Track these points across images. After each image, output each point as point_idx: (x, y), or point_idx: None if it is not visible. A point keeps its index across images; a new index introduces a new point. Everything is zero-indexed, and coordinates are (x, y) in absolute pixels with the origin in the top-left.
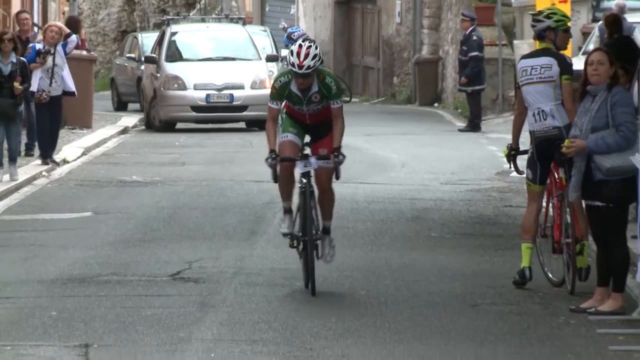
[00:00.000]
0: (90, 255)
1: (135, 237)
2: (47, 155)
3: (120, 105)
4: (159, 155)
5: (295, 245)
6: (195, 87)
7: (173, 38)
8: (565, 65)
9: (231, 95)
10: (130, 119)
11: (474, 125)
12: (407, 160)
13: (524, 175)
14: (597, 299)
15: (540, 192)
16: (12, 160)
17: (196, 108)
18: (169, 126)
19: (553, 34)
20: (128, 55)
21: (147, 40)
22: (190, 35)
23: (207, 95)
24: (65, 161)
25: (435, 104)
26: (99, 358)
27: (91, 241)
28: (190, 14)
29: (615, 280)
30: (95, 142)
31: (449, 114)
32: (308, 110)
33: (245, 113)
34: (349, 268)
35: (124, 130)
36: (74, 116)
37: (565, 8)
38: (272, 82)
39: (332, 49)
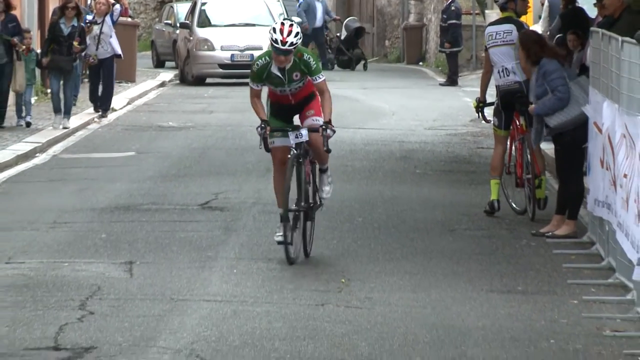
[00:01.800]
0: (133, 187)
1: (171, 173)
2: (103, 107)
3: (159, 63)
4: (191, 105)
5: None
6: (222, 48)
7: (203, 7)
8: (522, 29)
9: (252, 55)
10: (167, 75)
11: (452, 81)
12: (397, 110)
13: (492, 123)
14: (554, 224)
15: (505, 136)
16: (67, 109)
17: (223, 66)
18: (199, 81)
19: (514, 4)
20: (165, 21)
21: (181, 9)
22: (216, 5)
23: (232, 55)
24: (113, 109)
25: (420, 63)
26: (140, 273)
27: (134, 176)
28: None
29: (571, 209)
30: (138, 93)
31: (432, 71)
32: (290, 90)
33: None
34: (347, 199)
35: (162, 84)
36: (120, 72)
37: None
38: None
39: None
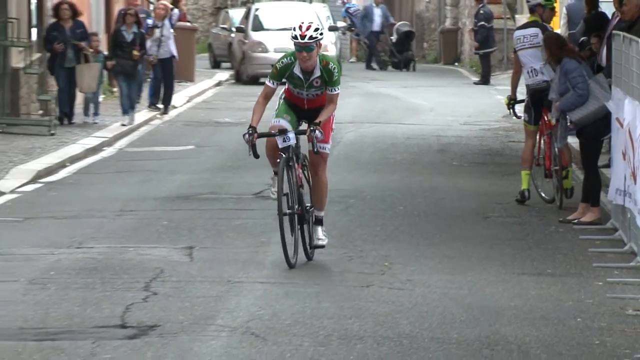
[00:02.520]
0: (193, 178)
1: (227, 165)
2: (165, 104)
3: (215, 64)
4: (245, 102)
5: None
6: (275, 50)
7: (256, 13)
8: (551, 34)
9: None
10: (223, 75)
11: (485, 80)
12: (434, 106)
13: (522, 118)
14: (580, 212)
15: (535, 130)
16: (131, 108)
17: None
18: (254, 80)
19: (542, 10)
20: (221, 26)
21: (236, 14)
22: (268, 10)
23: None
24: (173, 107)
25: (455, 64)
26: (199, 257)
27: (193, 168)
28: None
29: (592, 198)
30: (196, 92)
31: (466, 71)
32: (307, 94)
33: None
34: (390, 189)
35: (218, 83)
36: (180, 72)
37: None
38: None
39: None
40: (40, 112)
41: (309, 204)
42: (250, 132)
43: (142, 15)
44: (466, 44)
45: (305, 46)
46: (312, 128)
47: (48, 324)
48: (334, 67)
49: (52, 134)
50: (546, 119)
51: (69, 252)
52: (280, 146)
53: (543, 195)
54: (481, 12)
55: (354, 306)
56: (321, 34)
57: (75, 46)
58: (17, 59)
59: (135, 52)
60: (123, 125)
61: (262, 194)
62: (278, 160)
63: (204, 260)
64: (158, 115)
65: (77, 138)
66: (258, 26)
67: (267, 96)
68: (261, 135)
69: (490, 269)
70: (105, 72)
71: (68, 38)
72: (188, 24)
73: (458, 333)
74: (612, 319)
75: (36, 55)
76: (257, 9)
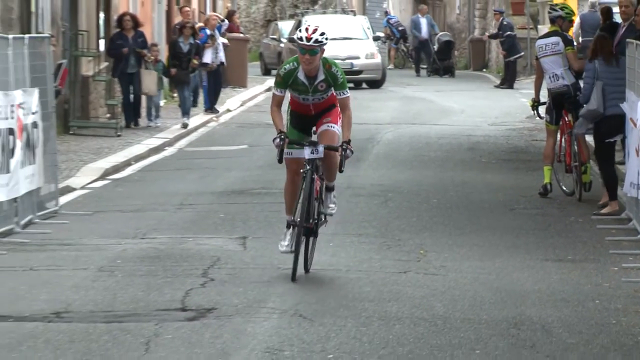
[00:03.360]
0: (246, 175)
1: (277, 163)
2: (212, 107)
3: (266, 72)
4: None
5: (291, 224)
6: None
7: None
8: (567, 41)
9: (351, 63)
10: (273, 81)
11: (509, 85)
12: (465, 109)
13: (544, 119)
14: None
15: (556, 130)
16: (186, 112)
17: None
18: None
19: (562, 21)
20: (271, 36)
21: (285, 26)
22: (318, 22)
23: None
24: (228, 110)
25: (484, 70)
26: (252, 246)
27: (247, 165)
28: (315, 8)
29: (608, 192)
30: (249, 96)
31: (493, 77)
32: (313, 99)
33: (361, 76)
34: (424, 184)
35: (269, 89)
36: (234, 79)
37: (573, 3)
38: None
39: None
40: (108, 115)
41: (316, 218)
42: (282, 137)
43: (197, 25)
44: (493, 52)
45: (310, 49)
46: (344, 147)
47: (115, 307)
48: (337, 70)
49: (119, 135)
50: (566, 119)
51: (134, 242)
52: (307, 157)
53: (564, 188)
54: (505, 22)
55: (392, 290)
56: (326, 39)
57: (137, 53)
58: (86, 68)
59: (195, 61)
60: (185, 125)
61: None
62: (301, 170)
63: (257, 249)
64: (214, 118)
65: (141, 139)
66: None
67: (278, 104)
68: (292, 142)
69: (516, 256)
70: (165, 79)
71: (130, 46)
72: (241, 35)
73: (487, 314)
74: (627, 301)
75: (104, 64)
76: (306, 21)
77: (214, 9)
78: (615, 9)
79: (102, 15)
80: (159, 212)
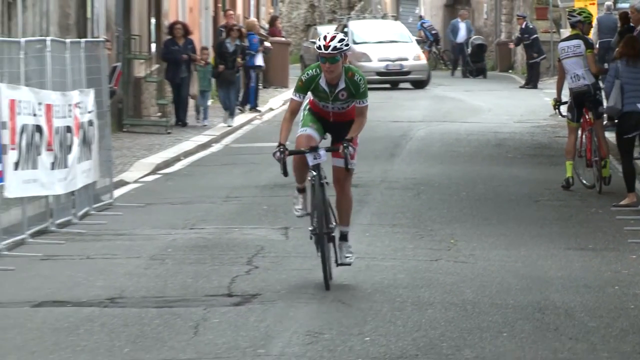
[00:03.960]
0: (273, 176)
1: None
2: (243, 103)
3: None
4: None
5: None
6: (379, 60)
7: (350, 29)
8: (588, 44)
9: (401, 65)
10: None
11: (534, 85)
12: (492, 107)
13: (566, 117)
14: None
15: (577, 127)
16: (232, 110)
17: (379, 73)
18: None
19: (582, 25)
20: (311, 40)
21: (323, 30)
22: (361, 27)
23: (387, 65)
24: (271, 109)
25: (509, 71)
26: (294, 236)
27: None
28: (351, 14)
29: (626, 185)
30: (289, 96)
31: (518, 77)
32: (333, 107)
33: (409, 76)
34: (454, 177)
35: None
36: (276, 80)
37: (593, 8)
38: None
39: (442, 36)
40: (159, 114)
41: (333, 223)
42: (281, 149)
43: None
44: (518, 54)
45: (330, 57)
46: (345, 144)
47: (166, 293)
48: (360, 79)
49: (169, 133)
50: (587, 117)
51: (184, 232)
52: (310, 164)
53: (584, 182)
54: (530, 26)
55: (424, 277)
56: (346, 45)
57: (188, 59)
58: (138, 70)
59: (240, 60)
60: (229, 126)
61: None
62: (309, 178)
63: (298, 239)
64: (258, 117)
65: (189, 136)
66: (353, 40)
67: (293, 111)
68: (292, 153)
69: (540, 245)
70: (213, 81)
71: (181, 52)
72: (283, 38)
73: (513, 299)
74: None
75: (155, 66)
76: (350, 26)
77: (257, 15)
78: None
79: (153, 20)
80: (207, 204)
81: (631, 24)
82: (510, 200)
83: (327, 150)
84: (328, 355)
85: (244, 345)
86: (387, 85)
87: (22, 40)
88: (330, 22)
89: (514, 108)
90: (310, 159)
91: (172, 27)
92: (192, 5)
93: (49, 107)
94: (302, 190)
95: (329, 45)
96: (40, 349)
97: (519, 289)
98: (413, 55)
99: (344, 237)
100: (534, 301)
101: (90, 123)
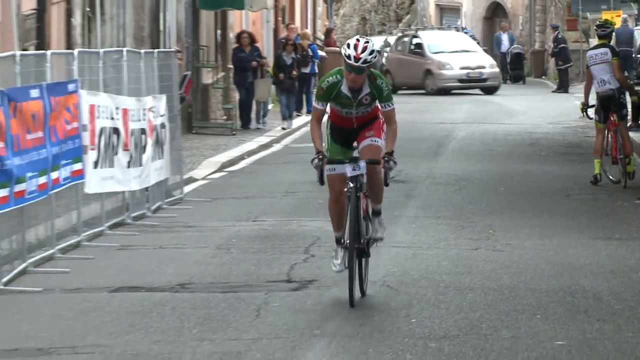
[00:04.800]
0: None
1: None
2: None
3: None
4: None
5: (340, 244)
6: (460, 68)
7: (423, 39)
8: (614, 52)
9: (481, 72)
10: None
11: (565, 89)
12: (526, 110)
13: (594, 119)
14: None
15: (604, 128)
16: (290, 116)
17: (461, 80)
18: (442, 92)
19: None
20: None
21: (376, 41)
22: (430, 37)
23: (468, 73)
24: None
25: (543, 77)
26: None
27: None
28: (399, 26)
29: None
30: None
31: (551, 83)
32: (357, 113)
33: (486, 83)
34: (493, 173)
35: None
36: None
37: (618, 19)
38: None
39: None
40: (225, 117)
41: (367, 237)
42: (320, 157)
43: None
44: (551, 62)
45: (358, 69)
46: (386, 158)
47: (231, 279)
48: (382, 82)
49: (234, 134)
50: (612, 118)
51: (247, 224)
52: (349, 174)
53: (611, 177)
54: (560, 36)
55: (465, 264)
56: (375, 57)
57: (256, 65)
58: (206, 77)
59: (295, 72)
60: (283, 129)
61: (395, 178)
62: (345, 189)
63: None
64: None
65: (252, 137)
66: (429, 49)
67: (318, 119)
68: (331, 161)
69: (571, 235)
70: (273, 87)
71: (248, 59)
72: (337, 48)
73: (546, 284)
74: None
75: (221, 74)
76: (421, 36)
77: (314, 27)
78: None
79: (219, 32)
80: (268, 198)
81: None
82: (544, 194)
83: (368, 162)
84: (378, 335)
85: (301, 326)
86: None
87: (101, 50)
88: (379, 33)
89: (546, 111)
90: (349, 170)
91: (239, 36)
92: (254, 18)
93: (125, 112)
94: (340, 242)
95: (360, 58)
96: (117, 330)
97: (551, 274)
98: (489, 63)
99: (377, 213)
100: (564, 286)
101: (163, 126)
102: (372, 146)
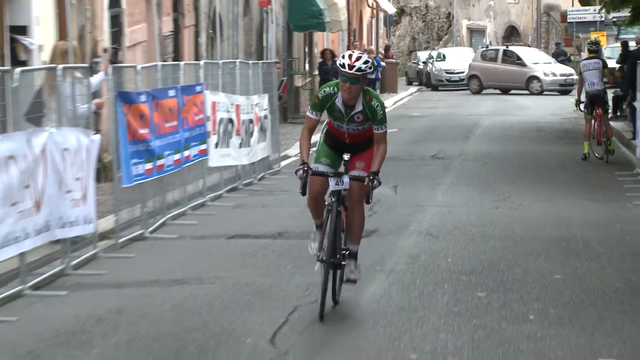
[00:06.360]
0: (398, 147)
1: (416, 139)
2: None
3: (409, 83)
4: (426, 104)
5: (316, 256)
6: (560, 75)
7: (517, 52)
8: (604, 63)
9: (572, 78)
10: (413, 89)
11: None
12: (534, 105)
13: (584, 112)
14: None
15: (591, 118)
16: None
17: (560, 84)
18: (541, 92)
19: (598, 51)
20: (413, 61)
21: (422, 55)
22: (524, 51)
23: (565, 79)
24: (385, 107)
25: None
26: (401, 191)
27: (398, 141)
28: (439, 44)
29: None
30: (398, 98)
31: None
32: (348, 129)
33: (572, 87)
34: (508, 152)
35: (411, 94)
36: (390, 88)
37: (603, 37)
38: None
39: None
40: None
41: (343, 248)
42: (305, 168)
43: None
44: None
45: (352, 77)
46: (371, 178)
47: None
48: (377, 105)
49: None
50: (597, 111)
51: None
52: (331, 188)
53: (596, 155)
54: (559, 50)
55: (488, 218)
56: (370, 67)
57: (335, 76)
58: (297, 81)
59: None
60: None
61: (436, 155)
62: (326, 202)
63: (403, 194)
64: None
65: None
66: (528, 60)
67: (310, 129)
68: (315, 174)
69: (566, 197)
70: None
71: (331, 72)
72: (393, 60)
73: (548, 233)
74: (637, 225)
75: (308, 79)
76: (515, 50)
77: (377, 44)
78: (631, 43)
79: (306, 49)
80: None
81: (629, 49)
82: (546, 168)
83: (351, 179)
84: (423, 271)
85: (366, 264)
86: (463, 88)
87: (220, 62)
88: (425, 49)
89: (549, 106)
90: (332, 184)
91: (323, 52)
92: (333, 38)
93: (237, 107)
94: (320, 226)
95: (354, 66)
96: (231, 266)
97: (552, 226)
98: (570, 71)
99: (352, 256)
100: (561, 235)
101: (265, 117)
102: (358, 186)
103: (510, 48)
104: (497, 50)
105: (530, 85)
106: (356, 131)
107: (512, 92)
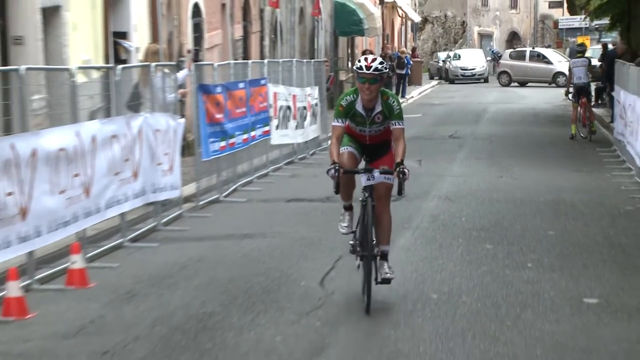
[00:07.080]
0: (420, 129)
1: (436, 122)
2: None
3: (431, 77)
4: (445, 94)
5: (355, 252)
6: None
7: (543, 53)
8: (589, 62)
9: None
10: (434, 82)
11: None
12: (532, 95)
13: (571, 100)
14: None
15: (577, 106)
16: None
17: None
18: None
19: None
20: (434, 60)
21: (441, 55)
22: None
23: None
24: (411, 97)
25: None
26: (424, 164)
27: (420, 124)
28: (455, 46)
29: None
30: (422, 90)
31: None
32: (370, 131)
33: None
34: (510, 133)
35: (433, 86)
36: (416, 81)
37: (587, 41)
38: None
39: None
40: None
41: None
42: (336, 167)
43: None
44: None
45: (371, 77)
46: (399, 169)
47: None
48: (394, 101)
49: None
50: (582, 100)
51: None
52: (364, 184)
53: (582, 135)
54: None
55: (494, 186)
56: (386, 68)
57: None
58: (342, 76)
59: (390, 74)
60: None
61: (452, 135)
62: (360, 198)
63: (427, 167)
64: (406, 101)
65: None
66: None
67: (338, 137)
68: (347, 172)
69: (557, 168)
70: None
71: None
72: (419, 59)
73: (543, 197)
74: (615, 192)
75: (350, 74)
76: (542, 51)
77: (406, 46)
78: (610, 45)
79: (349, 50)
80: None
81: (608, 50)
82: (541, 144)
83: (382, 172)
84: (442, 228)
85: (397, 222)
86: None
87: (280, 60)
88: (444, 50)
89: (544, 95)
90: (364, 180)
91: (364, 52)
92: (370, 41)
93: (294, 97)
94: (348, 208)
95: (371, 66)
96: (289, 223)
97: (545, 192)
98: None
99: (384, 257)
100: (553, 198)
101: (316, 105)
102: (383, 184)
103: (536, 49)
104: (524, 51)
105: (556, 79)
106: (377, 132)
107: (528, 85)
